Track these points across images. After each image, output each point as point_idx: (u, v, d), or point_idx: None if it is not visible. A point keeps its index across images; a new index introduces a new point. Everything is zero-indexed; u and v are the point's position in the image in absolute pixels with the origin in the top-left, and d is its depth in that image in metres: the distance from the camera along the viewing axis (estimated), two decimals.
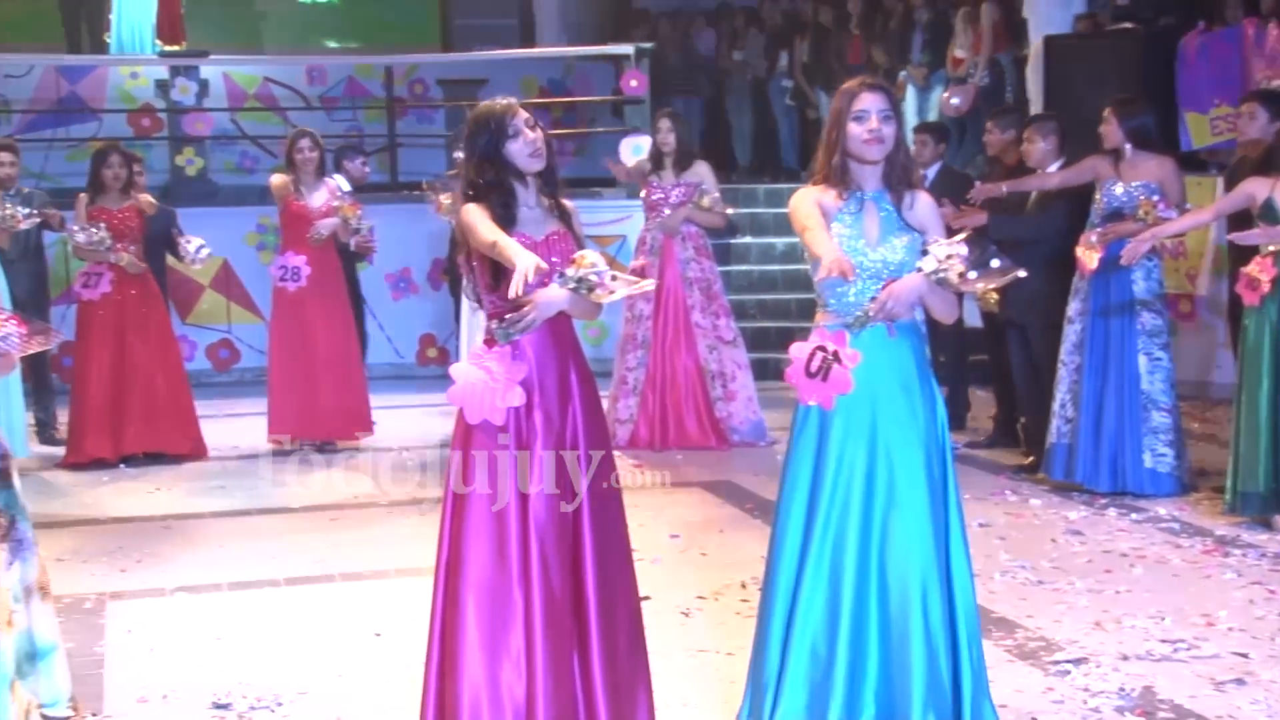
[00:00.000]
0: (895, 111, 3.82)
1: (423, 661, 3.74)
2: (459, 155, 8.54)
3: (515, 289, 3.45)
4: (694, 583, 5.73)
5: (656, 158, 8.56)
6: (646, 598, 4.10)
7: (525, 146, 3.70)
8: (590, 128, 13.69)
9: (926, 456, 3.77)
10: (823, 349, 3.80)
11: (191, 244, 8.37)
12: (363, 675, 4.76)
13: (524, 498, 3.64)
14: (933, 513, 3.74)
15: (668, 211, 8.46)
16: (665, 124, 8.54)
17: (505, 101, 3.74)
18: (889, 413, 3.77)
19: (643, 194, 8.64)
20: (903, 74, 12.20)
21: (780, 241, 11.89)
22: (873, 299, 3.75)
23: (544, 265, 3.51)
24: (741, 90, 14.06)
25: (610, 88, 13.41)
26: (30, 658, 3.60)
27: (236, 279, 11.43)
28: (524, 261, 3.46)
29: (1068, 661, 4.72)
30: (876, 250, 3.79)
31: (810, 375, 3.81)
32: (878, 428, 3.77)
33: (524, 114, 3.72)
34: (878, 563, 3.71)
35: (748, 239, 12.12)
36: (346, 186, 9.11)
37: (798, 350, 3.86)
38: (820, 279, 3.69)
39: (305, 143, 8.47)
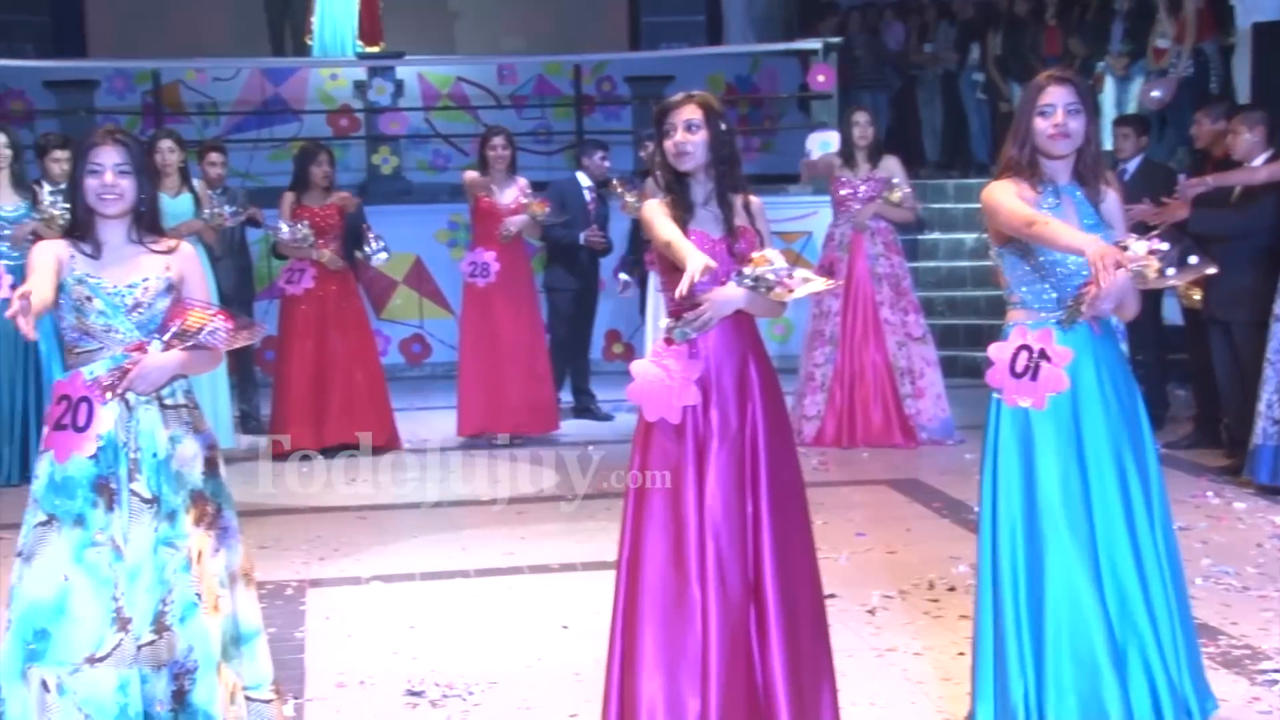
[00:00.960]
0: (1085, 105, 3.72)
1: (605, 655, 3.78)
2: (643, 154, 8.66)
3: (682, 289, 3.47)
4: (880, 581, 5.68)
5: (847, 153, 8.50)
6: (831, 596, 4.08)
7: (671, 147, 3.73)
8: (776, 124, 13.64)
9: (1135, 456, 3.69)
10: (1027, 348, 3.71)
11: (375, 244, 8.54)
12: (551, 667, 4.83)
13: (701, 496, 3.64)
14: (1146, 512, 3.67)
15: (857, 207, 8.40)
16: (863, 117, 8.48)
17: (678, 98, 3.77)
18: (1096, 412, 3.69)
19: (831, 189, 8.58)
20: (1101, 65, 11.87)
21: (969, 237, 11.68)
22: (1080, 294, 3.65)
23: (713, 264, 3.52)
24: (931, 84, 13.86)
25: (797, 83, 13.34)
26: (235, 642, 3.73)
27: (428, 275, 11.67)
28: (694, 262, 3.48)
29: (1276, 671, 4.55)
30: None
31: (1017, 375, 3.72)
32: (1085, 427, 3.69)
33: (688, 113, 3.72)
34: (1109, 565, 3.65)
35: (936, 235, 11.95)
36: (587, 181, 9.24)
37: (999, 351, 3.77)
38: (1103, 278, 3.40)
39: (498, 140, 8.62)
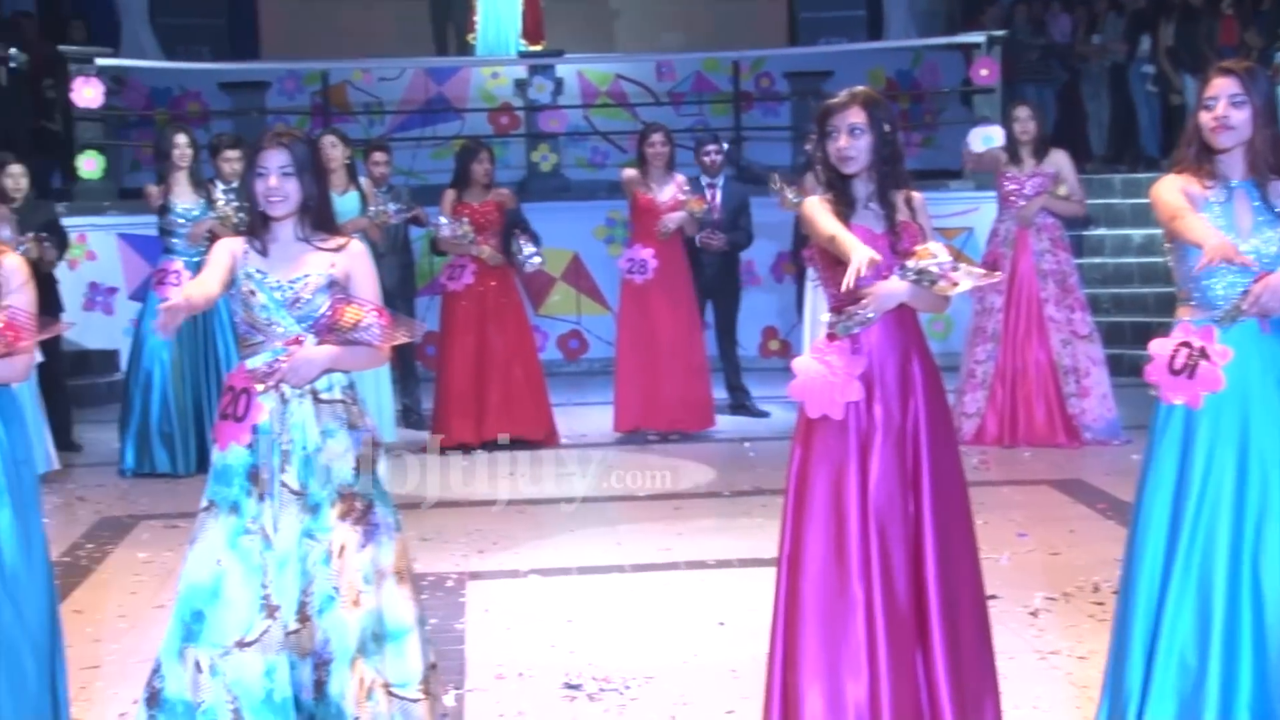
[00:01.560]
0: (1251, 96, 3.60)
1: (766, 653, 3.77)
2: (809, 147, 8.61)
3: (848, 281, 3.45)
4: (1043, 582, 5.57)
5: (1012, 148, 8.35)
6: (993, 597, 4.02)
7: (835, 152, 3.70)
8: (937, 119, 13.46)
9: None
10: (1187, 345, 3.62)
11: (526, 249, 8.60)
12: (708, 663, 4.83)
13: (864, 492, 3.62)
14: None
15: (1022, 202, 8.25)
16: (1024, 112, 8.32)
17: (841, 99, 3.74)
18: (1262, 413, 3.56)
19: (997, 184, 8.44)
20: (1279, 55, 11.48)
21: (1137, 233, 11.40)
22: (1245, 292, 3.54)
23: (878, 258, 3.50)
24: (1098, 76, 13.53)
25: (959, 77, 13.15)
26: (378, 638, 3.74)
27: (586, 272, 11.76)
28: (858, 255, 3.46)
29: None
30: (1248, 241, 3.58)
31: (1174, 373, 3.63)
32: (1250, 429, 3.56)
33: (852, 117, 3.68)
34: (1250, 571, 3.51)
35: (1102, 231, 11.67)
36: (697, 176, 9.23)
37: (1159, 347, 3.69)
38: (1201, 268, 3.47)
39: (657, 137, 8.64)
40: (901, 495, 3.64)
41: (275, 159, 3.79)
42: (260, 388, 3.73)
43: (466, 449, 8.41)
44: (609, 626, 5.26)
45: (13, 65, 11.60)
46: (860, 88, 3.80)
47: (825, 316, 3.76)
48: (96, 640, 5.12)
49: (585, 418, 9.37)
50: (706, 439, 8.77)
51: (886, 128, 3.71)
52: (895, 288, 3.60)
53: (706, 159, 8.85)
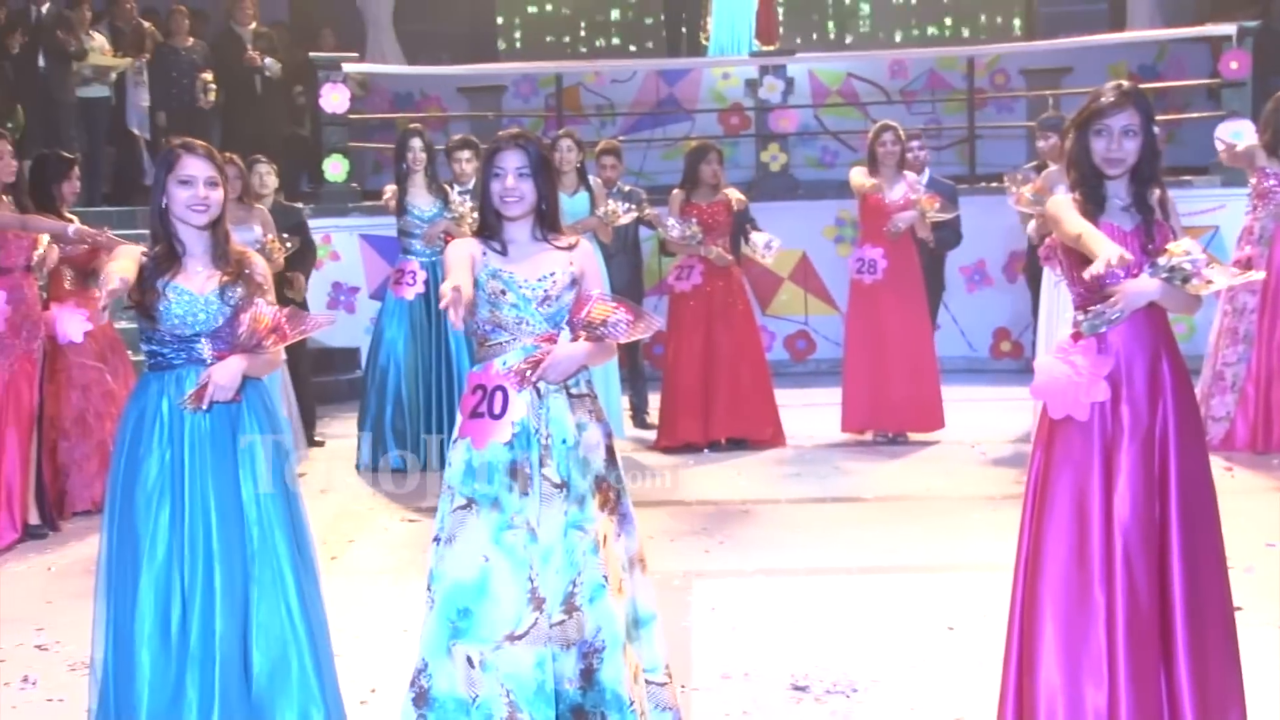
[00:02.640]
0: None
1: (999, 659, 3.68)
2: (1041, 145, 8.38)
3: (1094, 271, 3.36)
4: None
5: (1270, 142, 7.98)
6: (1239, 609, 3.84)
7: (1104, 150, 3.59)
8: (1182, 113, 12.96)
9: None
10: None
11: (762, 237, 8.59)
12: (936, 668, 4.75)
13: (1108, 496, 3.51)
14: None
15: None
16: None
17: (1113, 98, 3.62)
18: None
19: (1252, 181, 8.09)
20: None
21: None
22: None
23: (1128, 256, 3.40)
24: None
25: (1207, 70, 12.64)
26: (635, 624, 3.85)
27: (814, 271, 11.69)
28: (1106, 250, 3.35)
29: None
30: None
31: None
32: None
33: (1126, 118, 3.59)
34: None
35: None
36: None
37: None
38: None
39: (888, 136, 8.53)
40: (1147, 500, 3.52)
41: (512, 160, 3.85)
42: (523, 384, 3.77)
43: (693, 448, 8.45)
44: (835, 628, 5.22)
45: (268, 74, 12.11)
46: (1126, 84, 3.69)
47: (1069, 316, 3.66)
48: (338, 631, 5.28)
49: (812, 418, 9.31)
50: (936, 441, 8.63)
51: (1155, 129, 3.62)
52: (1145, 286, 3.49)
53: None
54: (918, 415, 8.65)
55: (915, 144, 9.04)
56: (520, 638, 3.70)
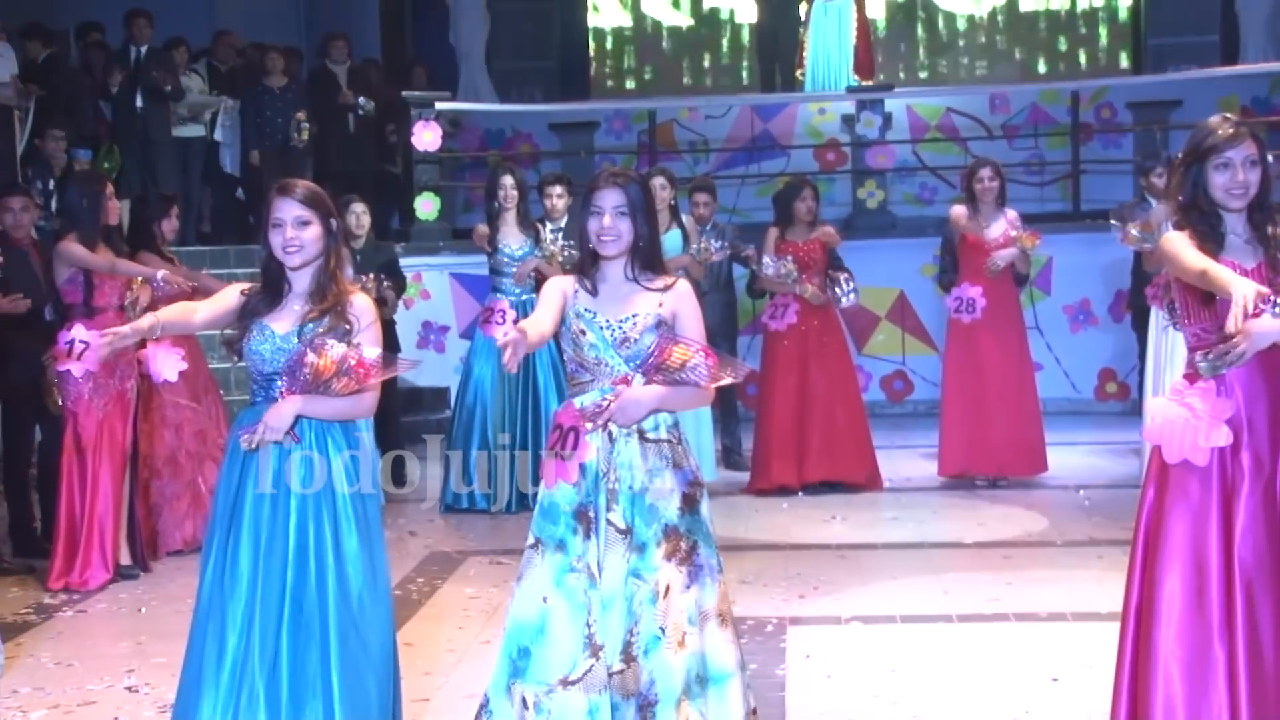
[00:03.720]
0: None
1: (1106, 712, 3.60)
2: (1157, 181, 8.23)
3: (1235, 320, 3.26)
4: None
5: None
6: None
7: (1226, 182, 3.52)
8: None
9: None
10: None
11: (845, 283, 8.52)
12: None
13: (1228, 545, 3.41)
14: None
15: None
16: None
17: (1234, 130, 3.56)
18: None
19: None
20: None
21: None
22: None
23: (1264, 290, 3.31)
24: None
25: None
26: (701, 681, 3.76)
27: (912, 310, 11.60)
28: (1242, 289, 3.27)
29: None
30: None
31: None
32: None
33: (1248, 149, 3.53)
34: None
35: None
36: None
37: None
38: None
39: (986, 172, 8.46)
40: (1271, 549, 3.42)
41: (610, 199, 3.87)
42: (588, 426, 3.79)
43: (787, 491, 8.41)
44: (934, 678, 5.14)
45: (361, 113, 12.28)
46: (1233, 117, 3.63)
47: (1181, 356, 3.59)
48: (426, 674, 5.29)
49: (909, 461, 9.23)
50: (1038, 485, 8.51)
51: (1271, 159, 3.56)
52: (1270, 325, 3.39)
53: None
54: (1019, 458, 8.54)
55: (986, 173, 8.50)
56: (574, 683, 3.71)
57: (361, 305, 3.87)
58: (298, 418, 3.77)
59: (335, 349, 3.74)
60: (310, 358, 3.72)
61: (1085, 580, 6.33)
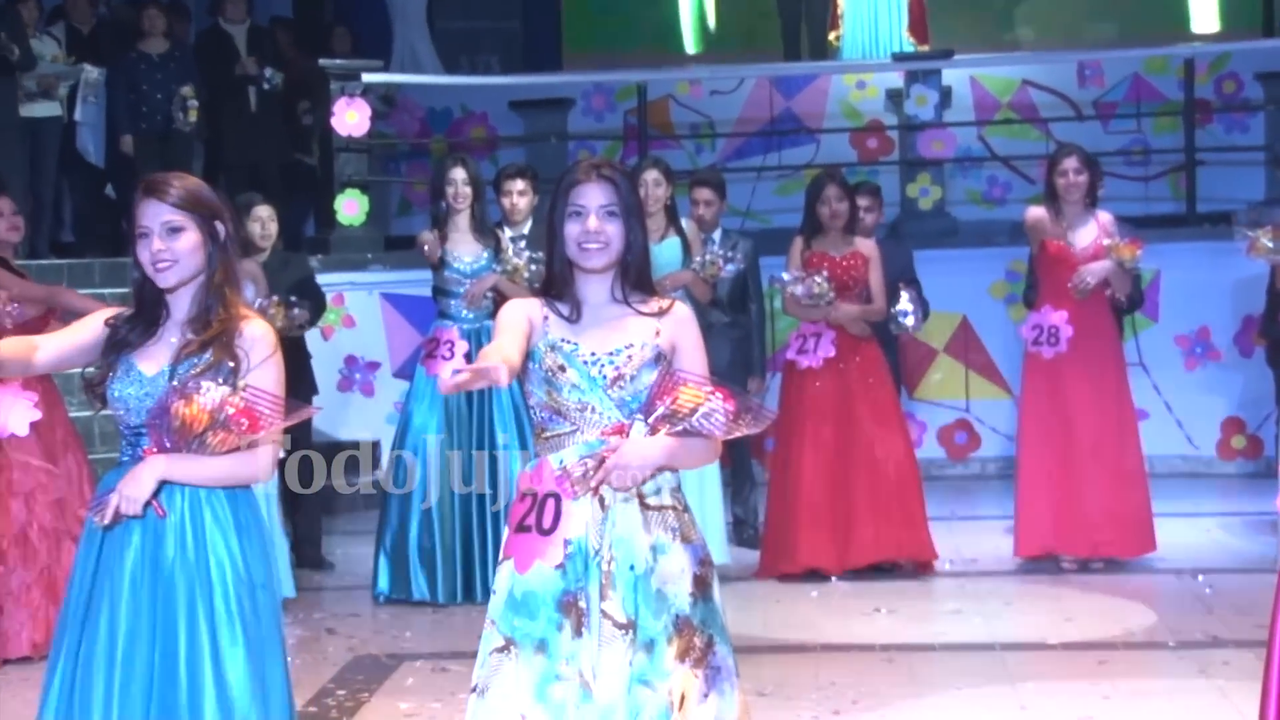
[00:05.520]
0: None
1: None
2: None
3: None
4: None
5: None
6: None
7: None
8: None
9: None
10: None
11: (911, 301, 8.57)
12: None
13: None
14: None
15: None
16: None
17: None
18: None
19: None
20: None
21: None
22: None
23: None
24: None
25: None
26: None
27: (978, 341, 11.64)
28: None
29: None
30: None
31: None
32: None
33: None
34: None
35: None
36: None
37: None
38: None
39: (1070, 163, 8.50)
40: None
41: (596, 195, 3.89)
42: (579, 491, 3.78)
43: (818, 576, 8.41)
44: None
45: (266, 86, 12.28)
46: None
47: None
48: None
49: (976, 537, 9.26)
50: (1143, 568, 8.55)
51: None
52: None
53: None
54: (1119, 534, 8.56)
55: (1070, 165, 8.64)
56: None
57: (255, 335, 3.89)
58: (162, 483, 3.78)
59: (209, 394, 3.73)
60: (178, 405, 3.72)
61: (1205, 693, 6.35)
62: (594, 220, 3.86)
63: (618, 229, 3.88)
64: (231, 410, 3.73)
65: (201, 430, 3.71)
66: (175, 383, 3.78)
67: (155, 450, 3.78)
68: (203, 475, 3.80)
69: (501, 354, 3.69)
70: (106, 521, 3.77)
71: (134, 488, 3.75)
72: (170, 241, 3.84)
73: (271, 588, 3.91)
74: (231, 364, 3.82)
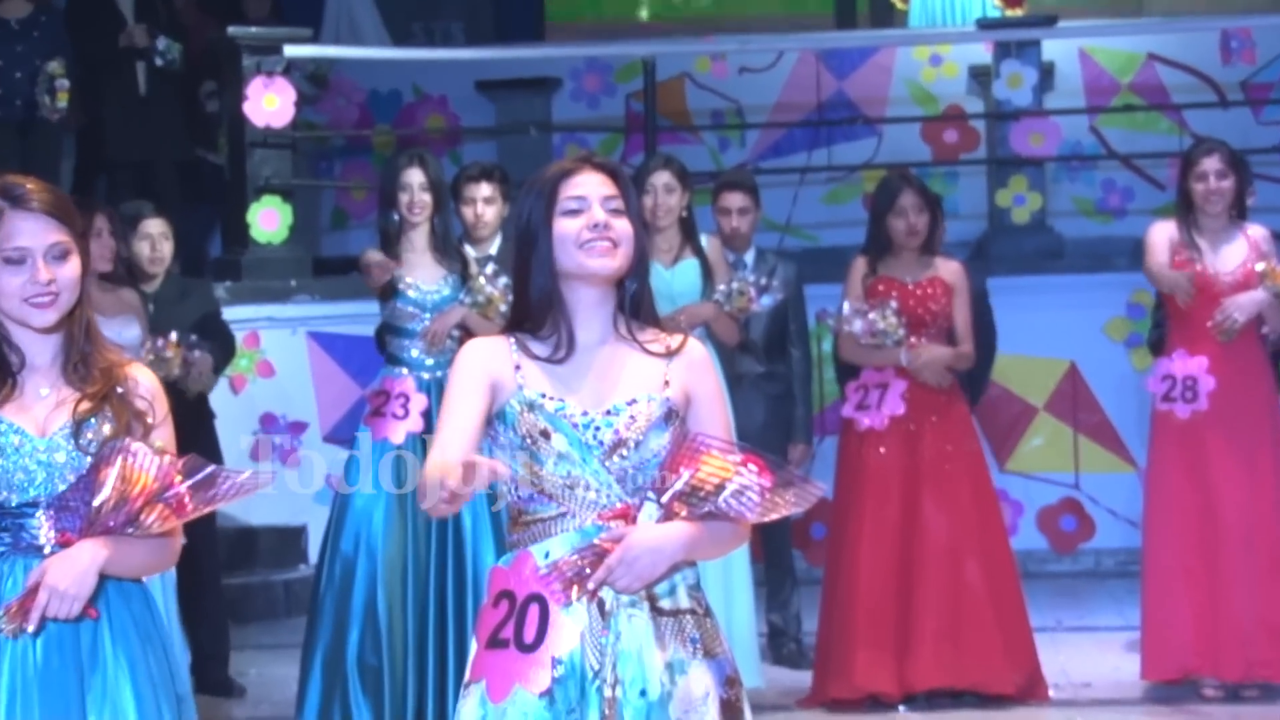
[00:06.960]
0: None
1: None
2: None
3: None
4: None
5: None
6: None
7: None
8: None
9: None
10: None
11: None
12: None
13: None
14: None
15: None
16: None
17: None
18: None
19: None
20: None
21: None
22: None
23: None
24: None
25: None
26: None
27: (1089, 395, 11.64)
28: None
29: None
30: None
31: None
32: None
33: None
34: None
35: None
36: None
37: None
38: None
39: (1210, 163, 8.49)
40: None
41: (597, 185, 3.90)
42: (573, 595, 3.78)
43: (881, 704, 8.39)
44: None
45: (160, 62, 12.27)
46: None
47: None
48: None
49: (1090, 653, 9.27)
50: None
51: None
52: None
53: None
54: (1276, 651, 8.54)
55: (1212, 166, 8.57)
56: None
57: (150, 385, 3.95)
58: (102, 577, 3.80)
59: (145, 457, 3.77)
60: (113, 474, 3.73)
61: None
62: (599, 210, 3.86)
63: (627, 228, 3.89)
64: (179, 479, 3.78)
65: (141, 505, 3.75)
66: (91, 448, 3.82)
67: (69, 536, 3.79)
68: (130, 564, 3.85)
69: (457, 447, 3.73)
70: (33, 629, 3.76)
71: (70, 580, 3.76)
72: (58, 268, 3.85)
73: (177, 707, 3.96)
74: (139, 424, 3.87)
